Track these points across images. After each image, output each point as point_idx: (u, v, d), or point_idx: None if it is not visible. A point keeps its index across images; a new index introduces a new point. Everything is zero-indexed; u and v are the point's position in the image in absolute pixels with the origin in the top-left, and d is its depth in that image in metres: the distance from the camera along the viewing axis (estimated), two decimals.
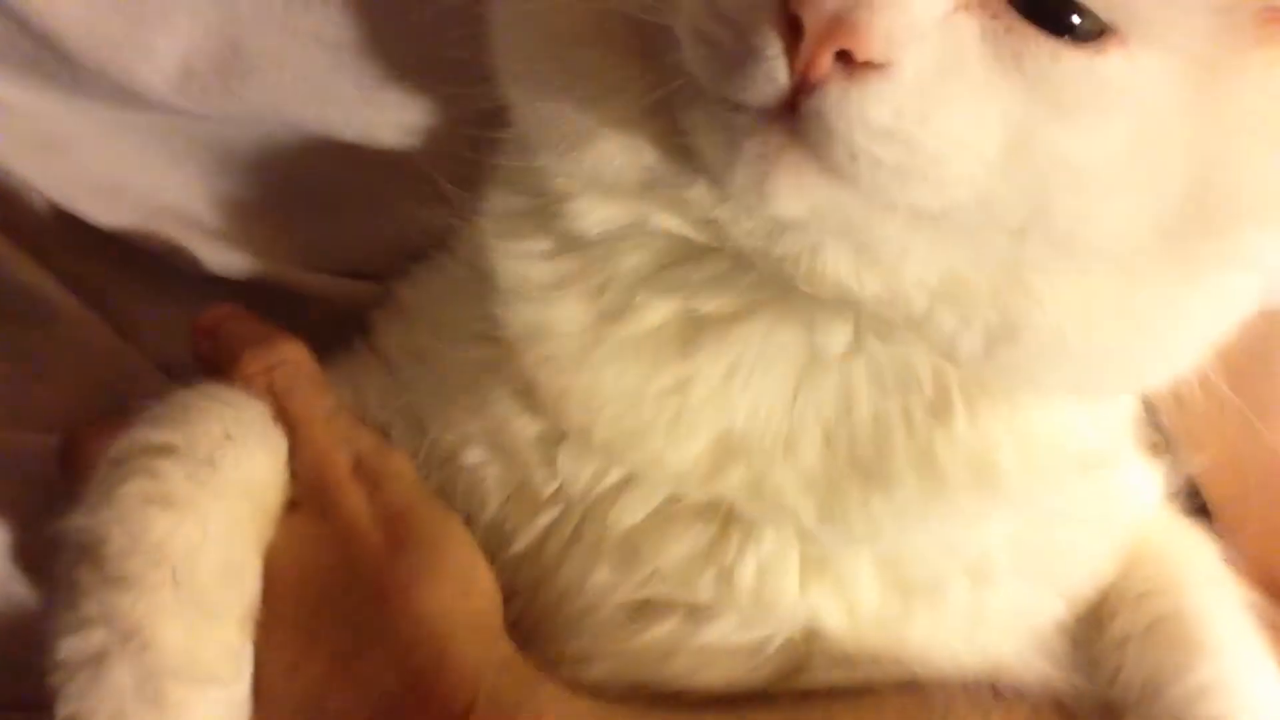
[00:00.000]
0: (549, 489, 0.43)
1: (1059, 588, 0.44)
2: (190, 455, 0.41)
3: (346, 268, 0.55)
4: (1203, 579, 0.45)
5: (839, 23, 0.31)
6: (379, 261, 0.53)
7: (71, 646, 0.39)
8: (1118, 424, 0.44)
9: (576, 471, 0.42)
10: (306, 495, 0.43)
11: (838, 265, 0.36)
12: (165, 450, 0.41)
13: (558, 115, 0.39)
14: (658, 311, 0.41)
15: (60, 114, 0.55)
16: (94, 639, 0.39)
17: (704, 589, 0.41)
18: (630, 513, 0.42)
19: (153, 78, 0.52)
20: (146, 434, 0.42)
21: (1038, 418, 0.41)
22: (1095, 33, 0.33)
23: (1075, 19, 0.33)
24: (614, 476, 0.42)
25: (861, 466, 0.40)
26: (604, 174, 0.39)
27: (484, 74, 0.44)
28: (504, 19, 0.42)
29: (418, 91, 0.51)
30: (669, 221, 0.39)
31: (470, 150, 0.47)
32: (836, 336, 0.39)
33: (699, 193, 0.38)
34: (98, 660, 0.39)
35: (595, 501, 0.42)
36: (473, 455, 0.44)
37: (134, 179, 0.56)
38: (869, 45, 0.31)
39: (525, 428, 0.43)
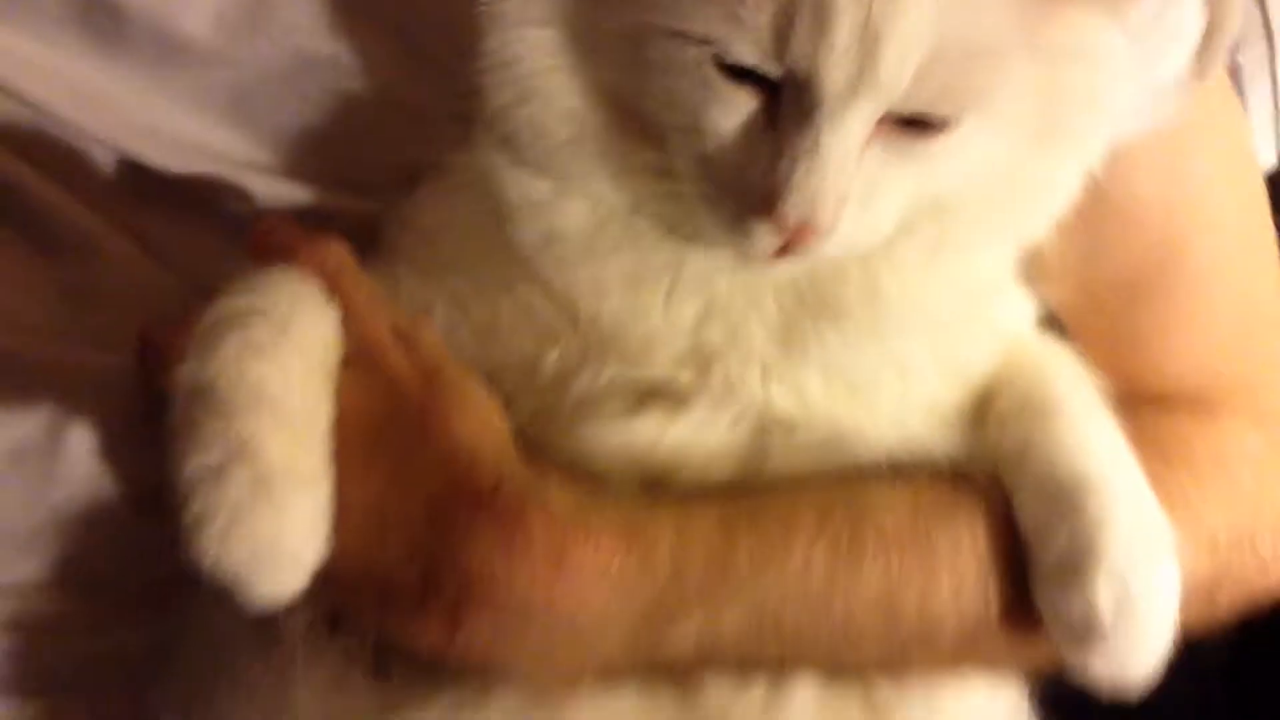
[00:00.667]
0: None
1: (961, 380, 0.56)
2: (271, 317, 0.51)
3: (363, 187, 0.63)
4: (1063, 371, 0.57)
5: (802, 226, 0.46)
6: (391, 185, 0.62)
7: (196, 463, 0.48)
8: (1005, 261, 0.57)
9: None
10: (356, 355, 0.53)
11: None
12: (252, 311, 0.51)
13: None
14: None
15: (107, 71, 0.61)
16: (214, 455, 0.48)
17: (683, 378, 0.53)
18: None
19: (195, 25, 0.60)
20: (236, 300, 0.52)
21: (955, 260, 0.54)
22: (944, 122, 0.47)
23: (933, 122, 0.47)
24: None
25: (813, 308, 0.53)
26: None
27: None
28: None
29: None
30: None
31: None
32: None
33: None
34: (218, 471, 0.48)
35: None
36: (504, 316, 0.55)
37: (177, 126, 0.62)
38: (822, 228, 0.47)
39: (546, 307, 0.54)
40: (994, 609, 0.55)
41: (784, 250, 0.48)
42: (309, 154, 0.63)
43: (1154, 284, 0.63)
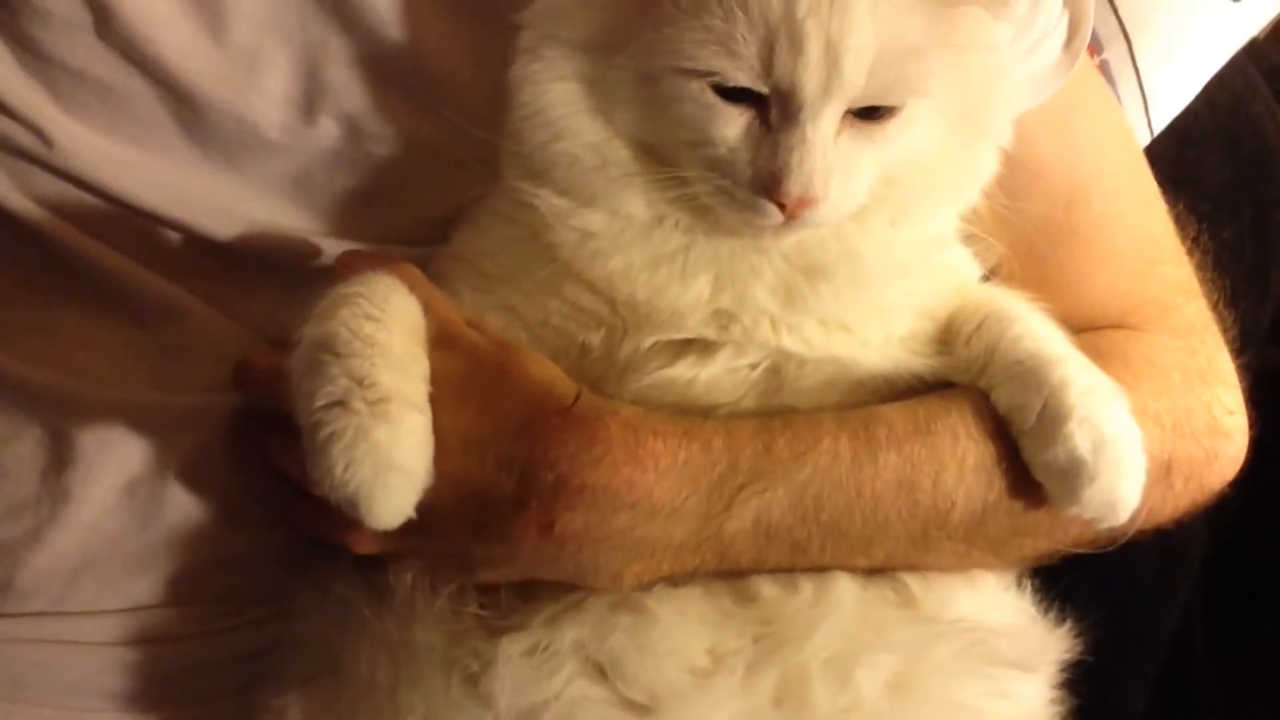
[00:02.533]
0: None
1: (930, 315, 0.68)
2: (373, 298, 0.61)
3: (409, 239, 0.74)
4: (1008, 297, 0.70)
5: (802, 197, 0.59)
6: (430, 230, 0.73)
7: (322, 395, 0.57)
8: (951, 222, 0.70)
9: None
10: (439, 336, 0.63)
11: None
12: (358, 294, 0.62)
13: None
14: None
15: (190, 163, 0.71)
16: (338, 387, 0.57)
17: (709, 335, 0.65)
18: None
19: (264, 111, 0.71)
20: (344, 289, 0.62)
21: (911, 224, 0.67)
22: (892, 110, 0.61)
23: (883, 111, 0.61)
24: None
25: (804, 271, 0.65)
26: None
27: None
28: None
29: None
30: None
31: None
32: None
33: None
34: (343, 398, 0.57)
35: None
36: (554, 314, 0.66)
37: (247, 207, 0.72)
38: (817, 199, 0.60)
39: (589, 298, 0.66)
40: (994, 490, 0.65)
41: (788, 221, 0.60)
42: (359, 215, 0.74)
43: (1066, 229, 0.76)
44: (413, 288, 0.64)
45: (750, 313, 0.65)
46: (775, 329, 0.65)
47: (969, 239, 0.71)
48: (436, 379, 0.61)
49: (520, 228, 0.68)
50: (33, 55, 0.70)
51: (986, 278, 0.73)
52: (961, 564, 0.68)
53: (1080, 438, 0.61)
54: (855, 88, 0.59)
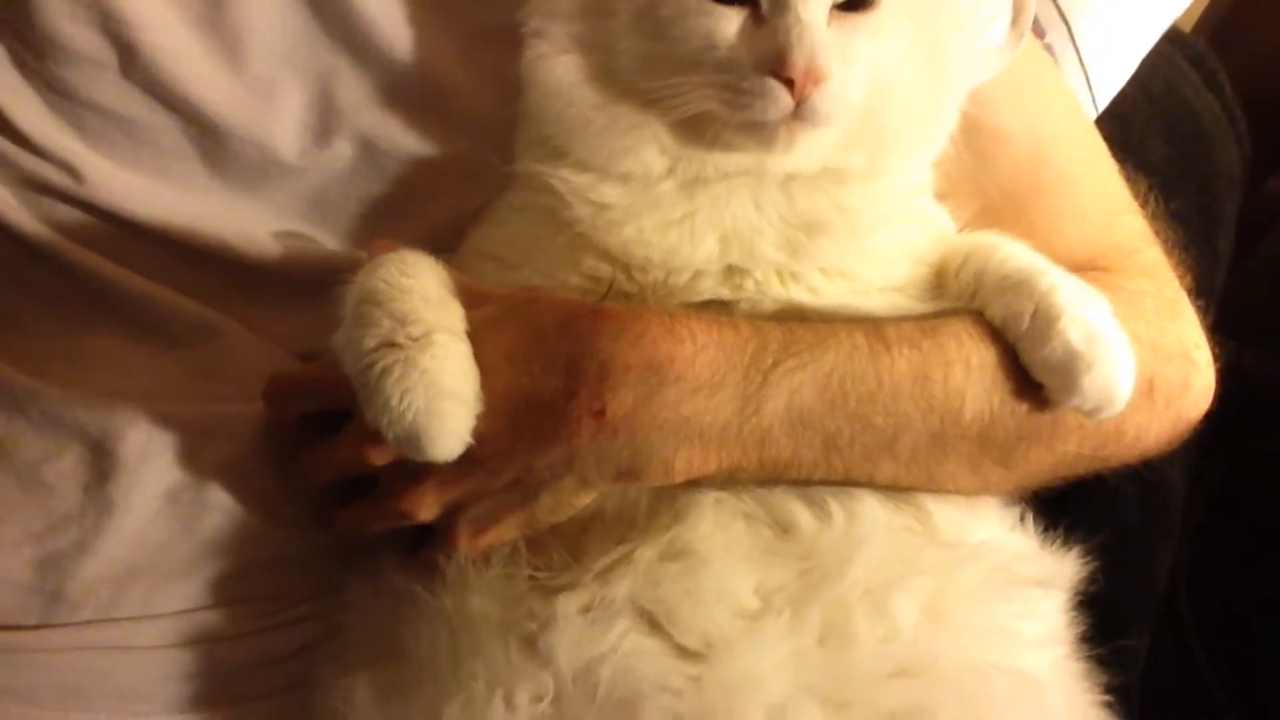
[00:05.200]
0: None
1: (920, 260, 0.73)
2: (404, 260, 0.66)
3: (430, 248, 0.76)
4: (989, 235, 0.75)
5: (809, 69, 0.64)
6: (445, 240, 0.76)
7: (372, 335, 0.61)
8: (924, 174, 0.76)
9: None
10: (469, 300, 0.66)
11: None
12: (391, 259, 0.66)
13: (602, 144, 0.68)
14: (671, 180, 0.70)
15: (214, 190, 0.75)
16: (384, 328, 0.62)
17: (724, 293, 0.70)
18: None
19: (283, 135, 0.75)
20: (382, 258, 0.66)
21: (890, 173, 0.72)
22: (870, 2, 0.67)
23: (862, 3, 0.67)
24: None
25: (803, 227, 0.69)
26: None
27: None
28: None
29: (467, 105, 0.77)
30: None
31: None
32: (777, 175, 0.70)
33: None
34: (389, 337, 0.61)
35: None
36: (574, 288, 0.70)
37: (270, 228, 0.76)
38: (822, 75, 0.64)
39: (608, 268, 0.70)
40: (999, 392, 0.69)
41: (798, 110, 0.63)
42: (375, 228, 0.77)
43: (1034, 187, 0.82)
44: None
45: (760, 266, 0.69)
46: (783, 282, 0.70)
47: (943, 198, 0.77)
48: (472, 321, 0.65)
49: (537, 212, 0.72)
50: (61, 96, 0.74)
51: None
52: (974, 475, 0.71)
53: (1074, 331, 0.65)
54: None
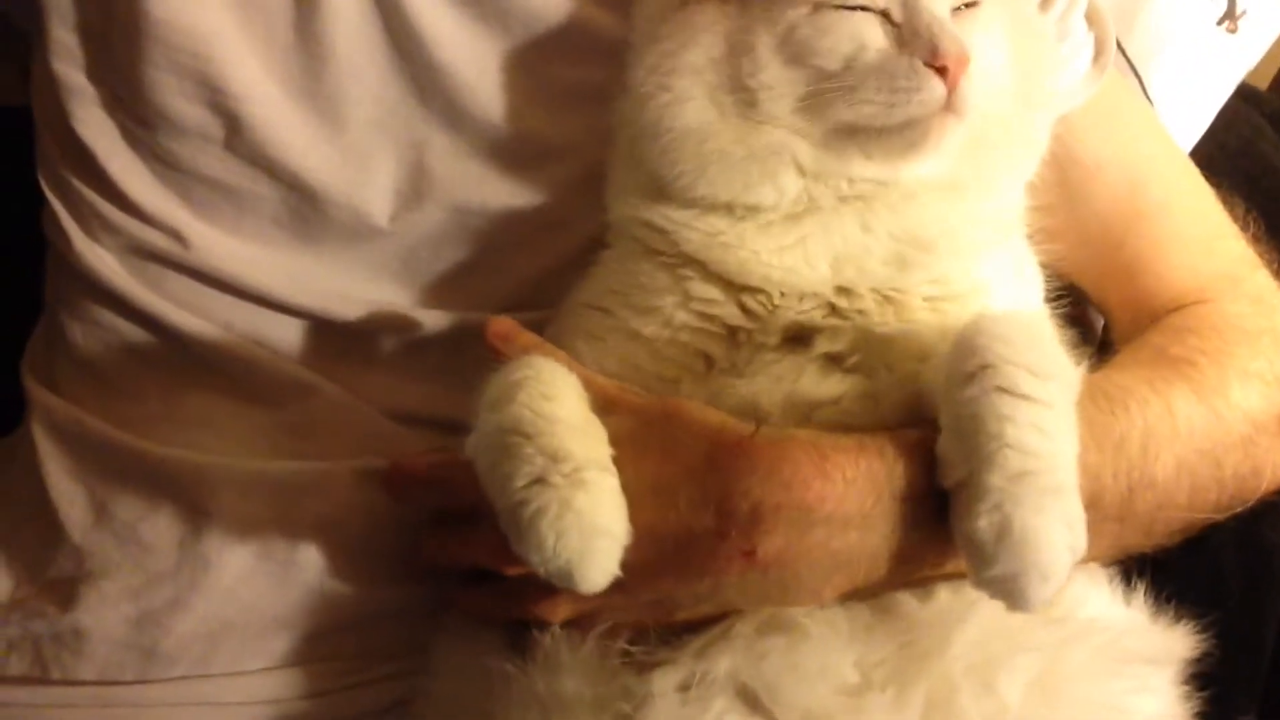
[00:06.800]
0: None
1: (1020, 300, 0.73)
2: (540, 379, 0.63)
3: (506, 305, 0.77)
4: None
5: (960, 55, 0.64)
6: (527, 294, 0.77)
7: (523, 474, 0.59)
8: (1019, 201, 0.74)
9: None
10: (603, 406, 0.65)
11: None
12: (524, 378, 0.63)
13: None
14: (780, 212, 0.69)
15: (310, 253, 0.76)
16: (536, 465, 0.59)
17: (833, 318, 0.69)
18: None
19: (376, 201, 0.76)
20: (508, 375, 0.64)
21: (990, 197, 0.71)
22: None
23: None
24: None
25: (911, 243, 0.68)
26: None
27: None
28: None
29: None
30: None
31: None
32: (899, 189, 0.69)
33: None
34: (541, 474, 0.59)
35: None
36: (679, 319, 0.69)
37: (360, 290, 0.77)
38: (968, 55, 0.64)
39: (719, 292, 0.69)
40: (1136, 471, 0.69)
41: (950, 99, 0.63)
42: (462, 286, 0.78)
43: (1133, 214, 0.81)
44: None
45: (869, 282, 0.68)
46: (883, 311, 0.68)
47: (1042, 236, 0.75)
48: (612, 440, 0.63)
49: (638, 255, 0.71)
50: (168, 166, 0.76)
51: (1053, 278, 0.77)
52: (1115, 549, 0.70)
53: (984, 520, 0.58)
54: None
